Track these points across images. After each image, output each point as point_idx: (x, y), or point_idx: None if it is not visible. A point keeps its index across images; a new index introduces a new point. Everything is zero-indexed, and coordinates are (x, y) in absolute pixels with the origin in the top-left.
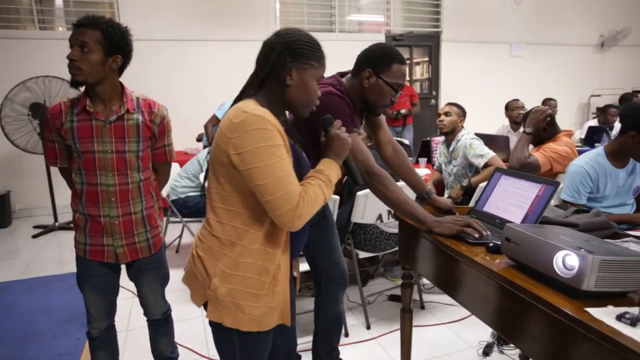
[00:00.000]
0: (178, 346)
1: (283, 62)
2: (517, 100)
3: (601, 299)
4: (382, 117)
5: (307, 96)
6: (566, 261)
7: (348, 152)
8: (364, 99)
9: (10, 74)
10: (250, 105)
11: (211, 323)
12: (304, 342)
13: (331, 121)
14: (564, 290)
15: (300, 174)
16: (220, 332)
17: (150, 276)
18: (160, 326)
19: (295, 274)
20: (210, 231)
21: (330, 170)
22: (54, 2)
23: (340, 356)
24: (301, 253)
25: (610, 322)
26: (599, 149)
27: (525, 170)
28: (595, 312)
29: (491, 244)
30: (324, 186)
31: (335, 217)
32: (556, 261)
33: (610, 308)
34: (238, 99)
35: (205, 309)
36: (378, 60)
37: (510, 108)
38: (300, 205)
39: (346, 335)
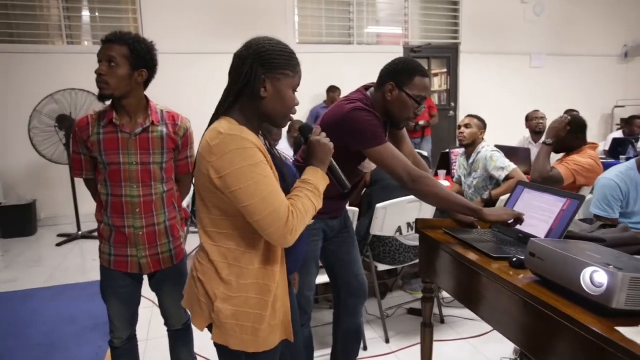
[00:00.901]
0: (197, 356)
1: (255, 74)
2: (537, 111)
3: (632, 317)
4: (404, 130)
5: (283, 107)
6: (594, 278)
7: (331, 157)
8: (387, 112)
9: (40, 87)
10: (225, 126)
11: (217, 345)
12: (323, 355)
13: (311, 129)
14: (591, 308)
15: (286, 189)
16: (226, 354)
17: (172, 287)
18: (181, 336)
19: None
20: (208, 255)
21: (316, 178)
22: (81, 17)
23: None
24: (321, 264)
25: None
26: (631, 163)
27: (548, 184)
28: (626, 331)
29: (515, 259)
30: (313, 196)
31: (354, 229)
32: (583, 278)
33: None
34: (214, 116)
35: (210, 331)
36: (400, 73)
37: (530, 118)
38: (290, 220)
39: (365, 348)
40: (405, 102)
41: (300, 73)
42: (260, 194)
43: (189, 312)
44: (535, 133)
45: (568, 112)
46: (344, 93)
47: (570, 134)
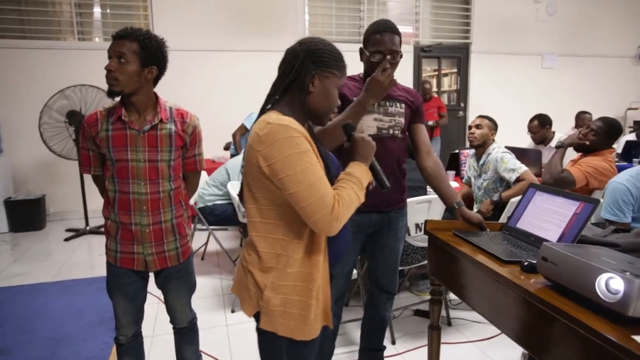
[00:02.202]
0: (202, 354)
1: (306, 68)
2: (532, 120)
3: None
4: (423, 127)
5: (327, 104)
6: (610, 284)
7: (373, 155)
8: (365, 75)
9: (51, 82)
10: (274, 116)
11: (260, 332)
12: (348, 351)
13: (354, 127)
14: (606, 315)
15: (330, 180)
16: (269, 341)
17: (178, 285)
18: (186, 334)
19: None
20: (255, 247)
21: (360, 172)
22: (93, 14)
23: None
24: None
25: None
26: None
27: (559, 186)
28: None
29: (526, 263)
30: (357, 188)
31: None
32: (599, 284)
33: None
34: (263, 107)
35: (255, 318)
36: (364, 39)
37: (530, 131)
38: (336, 208)
39: None
40: (368, 60)
41: (345, 75)
42: (307, 181)
43: (194, 311)
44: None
45: (580, 114)
46: None
47: (605, 137)
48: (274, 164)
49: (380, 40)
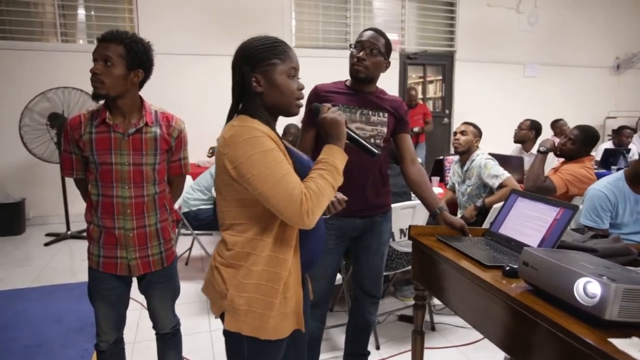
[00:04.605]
0: None
1: (245, 73)
2: (525, 120)
3: (625, 329)
4: (408, 137)
5: (282, 94)
6: (587, 288)
7: (344, 129)
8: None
9: (32, 84)
10: (237, 120)
11: (225, 333)
12: (332, 357)
13: (319, 108)
14: (584, 319)
15: (301, 177)
16: (234, 342)
17: (162, 289)
18: (169, 340)
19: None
20: (226, 245)
21: (330, 155)
22: (77, 15)
23: None
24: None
25: (636, 355)
26: (619, 173)
27: (541, 193)
28: (619, 343)
29: (508, 268)
30: (327, 174)
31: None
32: (577, 288)
33: (635, 339)
34: (228, 120)
35: (222, 319)
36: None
37: (518, 127)
38: (304, 202)
39: None
40: (349, 55)
41: (291, 57)
42: (272, 179)
43: (177, 316)
44: (517, 141)
45: (555, 122)
46: None
47: (582, 145)
48: (239, 166)
49: (362, 34)
